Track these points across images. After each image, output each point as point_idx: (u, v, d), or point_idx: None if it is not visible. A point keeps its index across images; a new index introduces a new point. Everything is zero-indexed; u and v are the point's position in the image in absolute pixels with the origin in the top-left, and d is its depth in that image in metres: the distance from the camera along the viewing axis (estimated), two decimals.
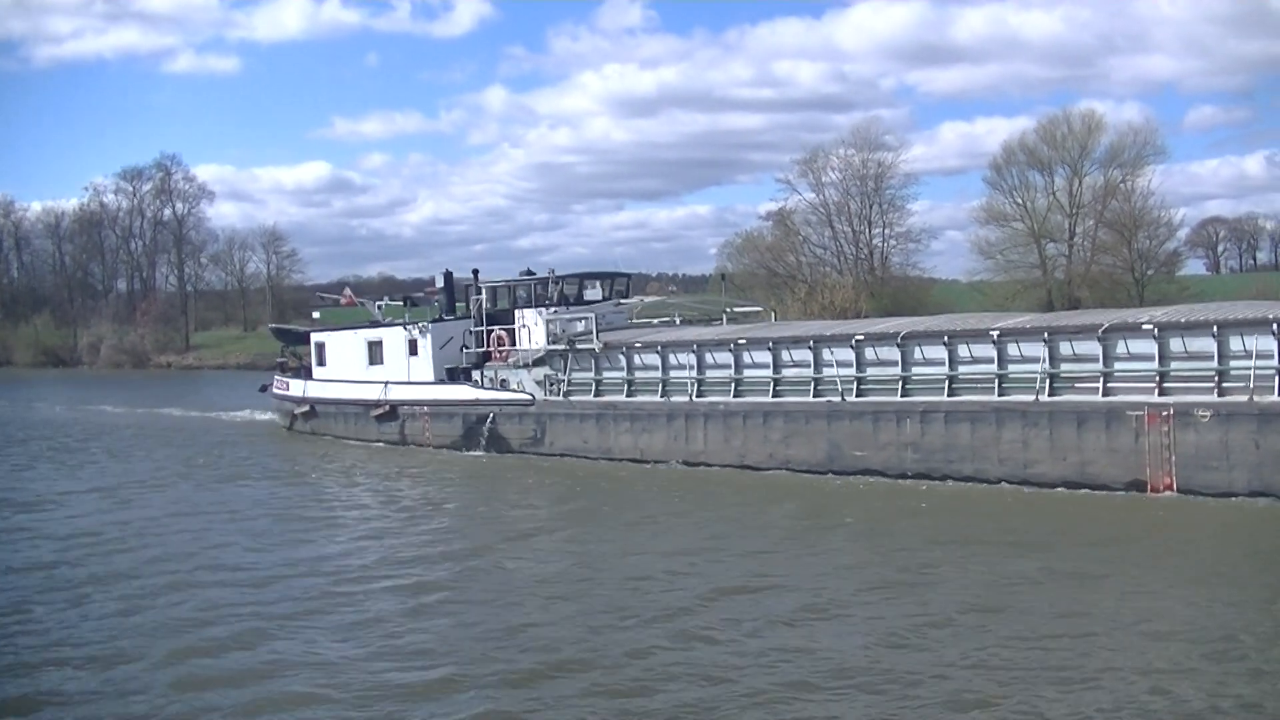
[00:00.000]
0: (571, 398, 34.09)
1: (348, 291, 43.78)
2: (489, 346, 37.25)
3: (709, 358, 31.87)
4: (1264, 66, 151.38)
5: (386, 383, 38.26)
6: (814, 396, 29.54)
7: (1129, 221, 68.66)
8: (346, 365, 40.58)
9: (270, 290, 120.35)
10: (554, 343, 35.07)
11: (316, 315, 51.36)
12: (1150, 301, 62.13)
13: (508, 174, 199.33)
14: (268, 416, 47.12)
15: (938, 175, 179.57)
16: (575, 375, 34.42)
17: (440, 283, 39.87)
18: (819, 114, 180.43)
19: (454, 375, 37.27)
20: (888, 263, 77.32)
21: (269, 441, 41.56)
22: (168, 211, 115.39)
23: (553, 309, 36.04)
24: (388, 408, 38.06)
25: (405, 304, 41.45)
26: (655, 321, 39.44)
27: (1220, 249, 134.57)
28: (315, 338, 42.83)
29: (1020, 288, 70.55)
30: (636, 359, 33.28)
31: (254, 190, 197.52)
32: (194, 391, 69.56)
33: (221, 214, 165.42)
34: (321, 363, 42.18)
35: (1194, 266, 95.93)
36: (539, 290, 37.10)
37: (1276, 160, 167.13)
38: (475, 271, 38.60)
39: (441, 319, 38.69)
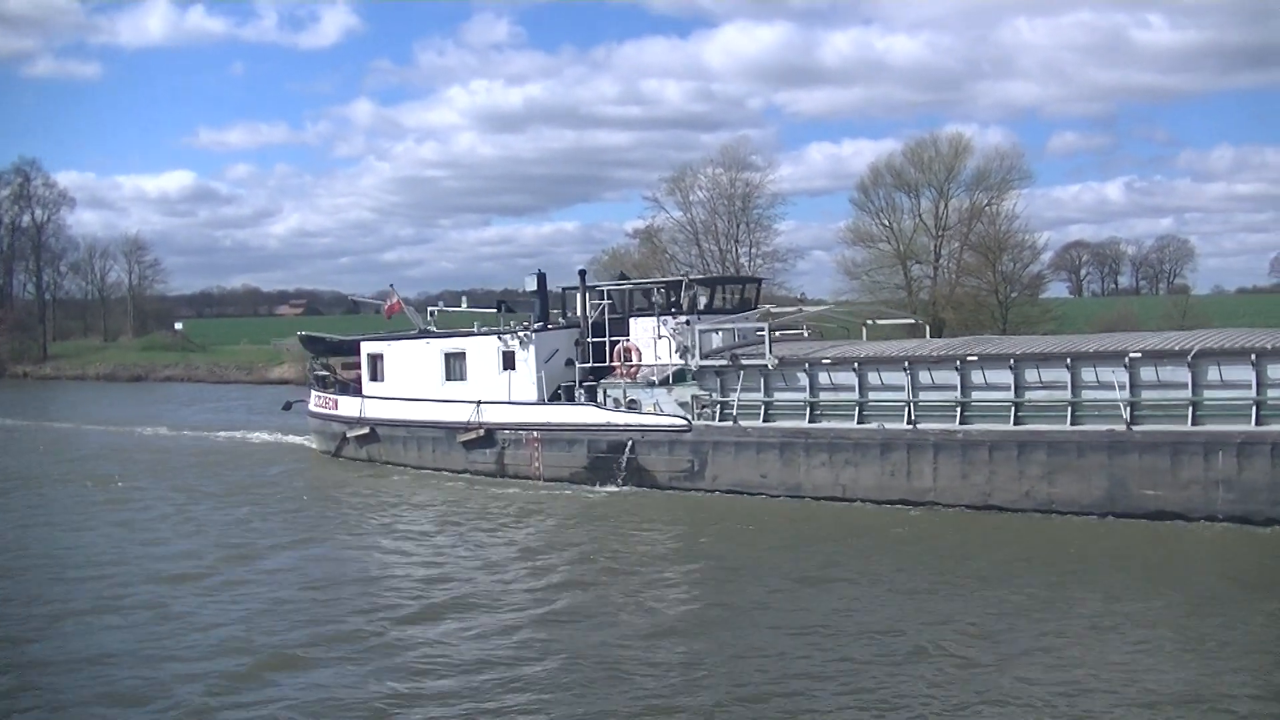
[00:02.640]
0: (738, 423, 23.94)
1: (394, 295, 31.24)
2: (612, 360, 26.52)
3: (924, 377, 22.60)
4: (1122, 95, 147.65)
5: (479, 402, 26.71)
6: (1071, 424, 20.87)
7: (994, 244, 63.00)
8: (413, 380, 28.76)
9: (131, 300, 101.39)
10: (705, 357, 24.79)
11: (179, 326, 39.33)
12: (1014, 324, 57.17)
13: (374, 187, 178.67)
14: (275, 438, 34.26)
15: (805, 195, 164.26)
16: (741, 396, 24.25)
17: (533, 286, 27.89)
18: (687, 133, 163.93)
19: (570, 394, 26.35)
20: None
21: (336, 471, 29.07)
22: (26, 218, 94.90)
23: (683, 318, 25.73)
24: (481, 432, 26.67)
25: (500, 309, 29.58)
26: (777, 334, 29.44)
27: (1083, 272, 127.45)
28: (369, 347, 30.34)
29: (885, 308, 64.48)
30: (823, 377, 23.55)
31: (116, 198, 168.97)
32: (157, 406, 53.31)
33: (82, 222, 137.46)
34: (377, 377, 29.93)
35: (1057, 289, 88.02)
36: (665, 296, 26.69)
37: (1135, 187, 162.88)
38: (582, 273, 27.78)
39: (545, 327, 27.40)
